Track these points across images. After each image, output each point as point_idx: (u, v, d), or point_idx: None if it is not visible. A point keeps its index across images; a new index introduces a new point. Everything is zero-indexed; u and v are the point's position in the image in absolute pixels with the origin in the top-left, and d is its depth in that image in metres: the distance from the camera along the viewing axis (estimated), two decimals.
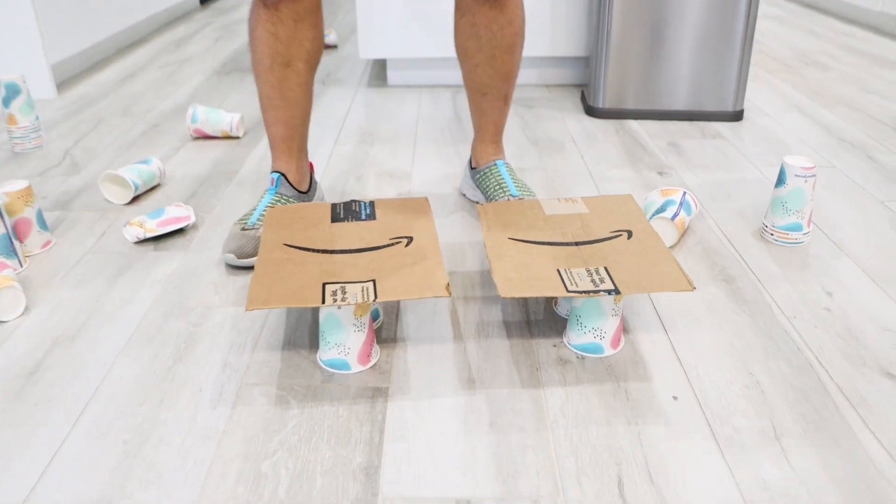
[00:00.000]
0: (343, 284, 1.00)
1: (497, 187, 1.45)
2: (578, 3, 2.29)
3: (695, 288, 1.10)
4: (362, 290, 0.99)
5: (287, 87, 1.34)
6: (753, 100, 2.25)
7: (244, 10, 3.84)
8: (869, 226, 1.45)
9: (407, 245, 1.12)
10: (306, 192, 1.45)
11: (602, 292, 0.99)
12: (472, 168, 1.56)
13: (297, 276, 1.03)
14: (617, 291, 0.99)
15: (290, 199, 1.40)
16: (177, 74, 2.62)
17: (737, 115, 2.06)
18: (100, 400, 1.00)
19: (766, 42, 3.00)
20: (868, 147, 1.86)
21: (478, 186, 1.53)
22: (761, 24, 3.34)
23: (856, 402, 0.98)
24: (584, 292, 0.99)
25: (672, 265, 1.05)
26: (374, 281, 1.01)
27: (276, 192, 1.39)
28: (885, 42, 2.99)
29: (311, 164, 1.51)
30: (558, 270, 1.05)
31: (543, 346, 1.10)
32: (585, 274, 1.03)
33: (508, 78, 1.43)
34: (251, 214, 1.36)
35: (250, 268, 1.33)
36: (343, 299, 0.96)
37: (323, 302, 0.96)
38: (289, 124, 1.38)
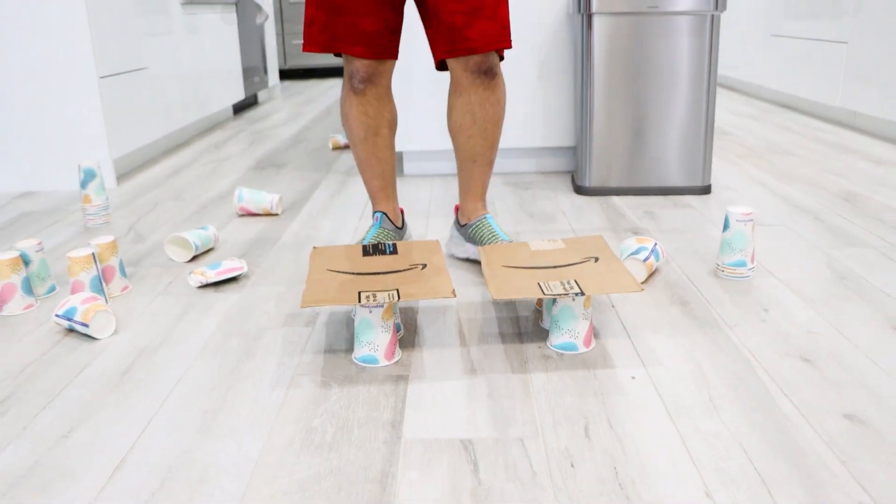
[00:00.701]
0: (374, 292, 1.30)
1: (490, 235, 1.72)
2: (566, 102, 2.66)
3: (643, 290, 1.36)
4: (388, 295, 1.28)
5: (379, 150, 1.74)
6: (722, 179, 2.57)
7: (273, 119, 4.27)
8: (808, 266, 1.74)
9: (422, 269, 1.42)
10: (401, 227, 1.83)
11: (571, 294, 1.28)
12: (461, 225, 1.81)
13: (338, 287, 1.33)
14: (582, 293, 1.28)
15: (391, 232, 1.77)
16: (219, 170, 2.99)
17: (705, 189, 2.39)
18: (181, 388, 1.28)
19: (740, 134, 3.36)
20: (818, 212, 2.16)
21: (470, 239, 1.77)
22: (737, 120, 3.72)
23: (776, 378, 1.24)
24: (557, 294, 1.28)
25: (627, 276, 1.34)
26: (397, 289, 1.31)
27: (380, 227, 1.77)
28: (845, 132, 3.35)
29: (401, 209, 1.88)
30: (538, 283, 1.34)
31: (530, 348, 1.38)
32: (559, 285, 1.32)
33: (494, 146, 1.73)
34: (363, 240, 1.73)
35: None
36: (374, 299, 1.26)
37: (359, 302, 1.25)
38: (383, 177, 1.77)
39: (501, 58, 1.67)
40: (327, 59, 6.60)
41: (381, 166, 1.76)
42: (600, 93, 2.36)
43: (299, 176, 2.83)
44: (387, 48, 1.64)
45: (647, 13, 2.28)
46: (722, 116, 3.88)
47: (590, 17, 2.31)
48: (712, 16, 2.29)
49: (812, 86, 3.79)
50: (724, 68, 5.02)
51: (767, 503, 0.94)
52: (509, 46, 1.62)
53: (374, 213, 1.80)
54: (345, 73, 1.69)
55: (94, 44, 2.62)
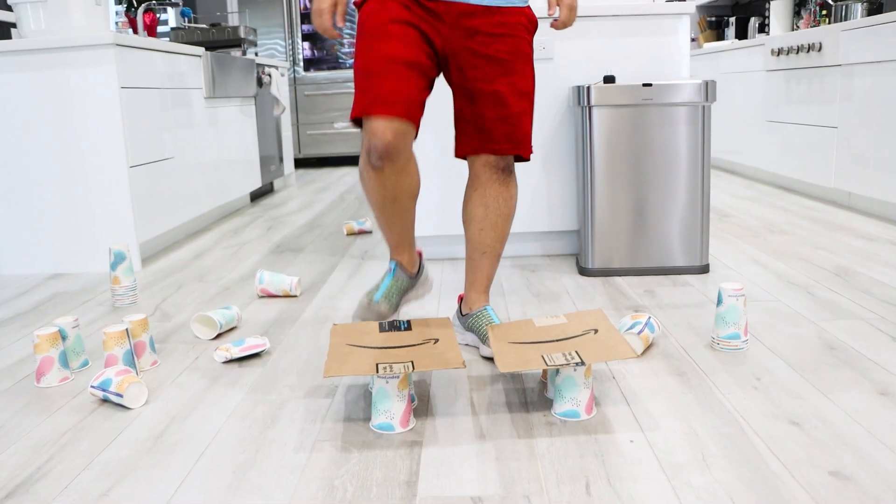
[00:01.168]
0: (390, 364, 1.41)
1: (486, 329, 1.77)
2: (569, 188, 2.81)
3: (639, 356, 1.46)
4: (404, 366, 1.39)
5: (396, 215, 1.76)
6: (721, 258, 2.69)
7: (289, 206, 4.45)
8: (800, 337, 1.83)
9: (434, 343, 1.53)
10: (415, 275, 1.91)
11: (572, 364, 1.38)
12: (462, 315, 1.87)
13: (357, 360, 1.43)
14: (583, 363, 1.38)
15: (404, 282, 1.87)
16: (239, 254, 3.13)
17: (704, 269, 2.50)
18: (211, 450, 1.38)
19: (739, 216, 3.49)
20: (810, 287, 2.27)
21: (469, 329, 1.84)
22: (737, 203, 3.87)
23: (765, 439, 1.33)
24: (559, 365, 1.38)
25: (624, 344, 1.45)
26: (412, 361, 1.41)
27: (394, 278, 1.86)
28: (840, 212, 3.48)
29: (419, 252, 1.96)
30: (542, 356, 1.44)
31: (536, 416, 1.47)
32: (561, 356, 1.43)
33: (504, 240, 1.82)
34: (376, 291, 1.84)
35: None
36: (391, 370, 1.36)
37: (376, 373, 1.36)
38: (400, 235, 1.83)
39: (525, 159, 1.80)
40: (340, 148, 6.85)
41: (398, 226, 1.80)
42: (601, 179, 2.50)
43: (316, 259, 2.96)
44: (413, 117, 1.62)
45: (642, 105, 2.45)
46: (722, 199, 4.03)
47: (590, 109, 2.47)
48: (703, 106, 2.45)
49: (807, 168, 3.95)
50: (725, 153, 5.21)
51: None
52: (527, 157, 1.76)
53: (391, 261, 1.88)
54: (363, 145, 1.69)
55: (126, 136, 2.81)
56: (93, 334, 2.11)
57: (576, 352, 1.44)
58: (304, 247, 3.22)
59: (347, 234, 3.45)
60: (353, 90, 6.88)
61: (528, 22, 1.71)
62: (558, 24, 1.77)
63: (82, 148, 2.80)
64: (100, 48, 2.74)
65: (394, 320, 1.69)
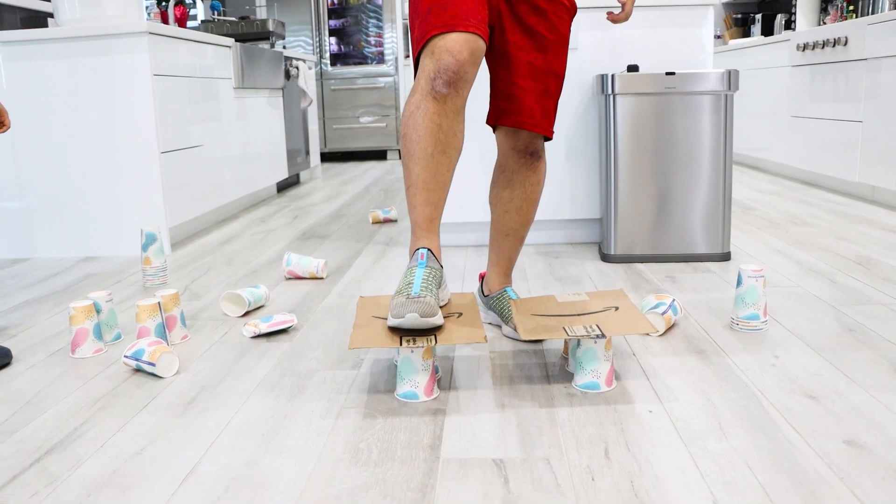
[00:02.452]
0: (414, 336, 1.44)
1: (509, 308, 1.79)
2: (592, 177, 2.84)
3: (658, 331, 1.49)
4: (427, 339, 1.42)
5: (441, 172, 1.53)
6: (743, 247, 2.71)
7: (315, 197, 4.51)
8: (819, 321, 1.85)
9: (458, 317, 1.56)
10: (441, 266, 1.61)
11: (593, 336, 1.41)
12: (484, 295, 1.90)
13: (382, 333, 1.47)
14: (603, 336, 1.41)
15: (438, 271, 1.53)
16: (266, 240, 3.19)
17: (725, 256, 2.52)
18: (241, 416, 1.42)
19: (762, 209, 3.50)
20: (831, 274, 2.28)
21: (490, 309, 1.86)
22: (761, 197, 3.87)
23: (782, 410, 1.35)
24: (580, 336, 1.41)
25: (644, 320, 1.47)
26: (435, 335, 1.45)
27: (427, 266, 1.51)
28: (863, 206, 3.47)
29: None
30: (563, 327, 1.48)
31: (557, 388, 1.50)
32: (582, 328, 1.46)
33: (528, 224, 1.82)
34: (411, 286, 1.46)
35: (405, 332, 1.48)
36: (414, 343, 1.40)
37: (400, 345, 1.40)
38: (436, 206, 1.55)
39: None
40: (366, 143, 6.91)
41: (438, 192, 1.54)
42: (624, 167, 2.53)
43: (342, 245, 3.01)
44: (486, 37, 1.53)
45: (666, 93, 2.47)
46: (746, 193, 4.03)
47: (614, 97, 2.50)
48: (726, 95, 2.47)
49: (832, 163, 3.94)
50: (749, 149, 5.20)
51: None
52: (549, 136, 1.73)
53: (418, 249, 1.54)
54: (422, 75, 1.52)
55: (158, 122, 2.87)
56: (125, 311, 2.17)
57: (596, 325, 1.47)
58: (329, 234, 3.27)
59: (373, 223, 3.50)
60: (378, 86, 6.96)
61: (569, 5, 1.70)
62: (619, 17, 1.74)
63: (115, 133, 2.87)
64: (134, 36, 2.81)
65: None
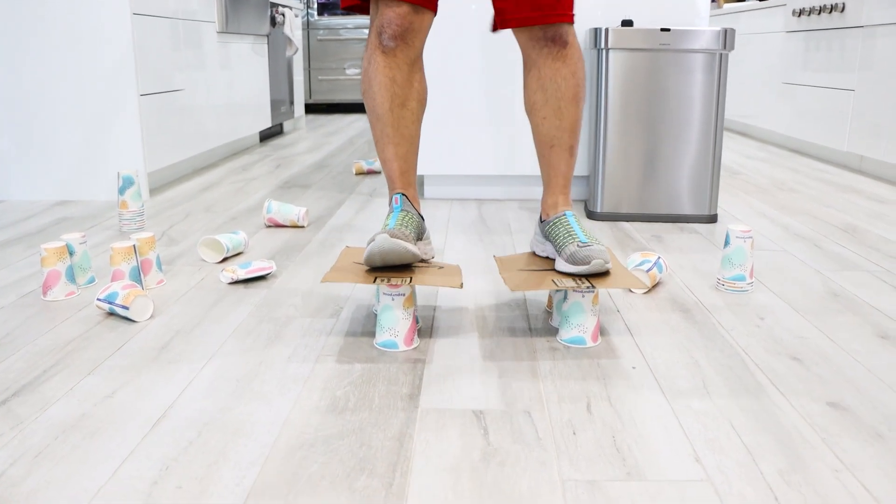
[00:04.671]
0: (389, 276, 1.41)
1: (567, 235, 1.50)
2: (581, 134, 2.79)
3: (648, 287, 1.46)
4: (401, 278, 1.39)
5: (404, 126, 1.53)
6: (729, 210, 2.68)
7: (298, 147, 4.43)
8: (804, 285, 1.83)
9: (440, 268, 1.53)
10: (422, 217, 1.57)
11: (581, 288, 1.38)
12: (542, 221, 1.61)
13: (358, 273, 1.44)
14: (592, 287, 1.38)
15: (415, 216, 1.52)
16: (246, 188, 3.13)
17: (712, 218, 2.50)
18: (215, 361, 1.39)
19: (749, 174, 3.47)
20: (816, 240, 2.27)
21: (547, 238, 1.57)
22: (748, 162, 3.84)
23: (767, 371, 1.34)
24: (569, 287, 1.38)
25: (631, 277, 1.45)
26: (411, 276, 1.42)
27: (402, 209, 1.51)
28: (851, 175, 3.46)
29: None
30: (552, 280, 1.45)
31: (539, 342, 1.48)
32: (571, 281, 1.43)
33: (573, 129, 1.54)
34: (386, 226, 1.47)
35: (383, 268, 1.46)
36: (388, 281, 1.37)
37: (374, 282, 1.37)
38: (405, 159, 1.55)
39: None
40: (352, 95, 6.80)
41: (404, 146, 1.54)
42: (614, 124, 2.48)
43: (324, 195, 2.96)
44: None
45: (659, 50, 2.42)
46: (733, 158, 4.00)
47: (606, 52, 2.44)
48: (720, 54, 2.42)
49: (821, 131, 3.91)
50: (738, 116, 5.16)
51: (751, 469, 1.03)
52: (569, 20, 1.49)
53: (393, 195, 1.56)
54: (372, 29, 1.50)
55: (137, 63, 2.79)
56: (100, 256, 2.12)
57: (587, 277, 1.44)
58: (312, 184, 3.21)
59: (356, 174, 3.45)
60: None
61: None
62: None
63: (93, 74, 2.78)
64: None
65: None
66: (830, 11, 3.85)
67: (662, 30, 2.41)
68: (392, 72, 1.50)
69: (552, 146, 1.56)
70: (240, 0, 3.90)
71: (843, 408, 1.20)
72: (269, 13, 4.47)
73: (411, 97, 1.53)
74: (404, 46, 1.48)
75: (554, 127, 1.54)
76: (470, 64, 2.75)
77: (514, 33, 1.53)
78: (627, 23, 2.47)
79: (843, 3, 3.72)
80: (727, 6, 5.47)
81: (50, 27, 2.76)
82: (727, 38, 2.40)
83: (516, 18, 1.49)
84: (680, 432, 1.13)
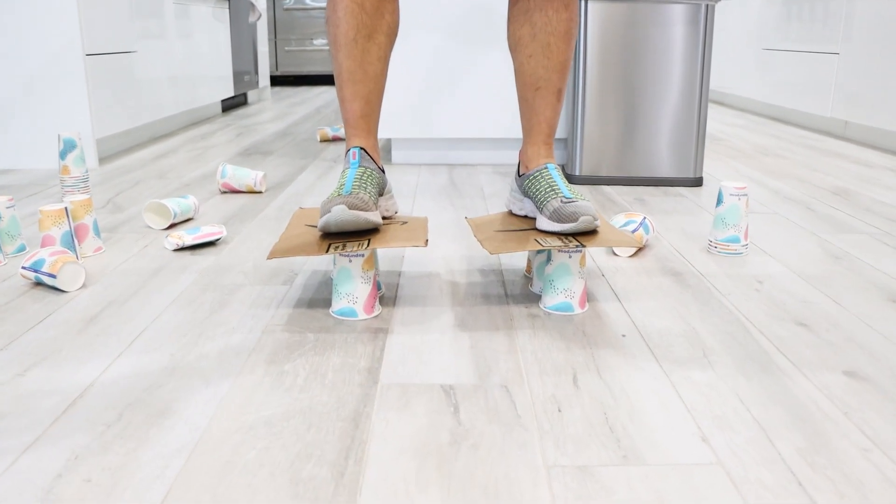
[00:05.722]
0: (344, 242, 1.24)
1: (549, 189, 1.34)
2: None
3: (642, 245, 1.30)
4: (358, 244, 1.22)
5: (368, 62, 1.35)
6: (714, 173, 2.54)
7: (262, 116, 4.23)
8: (801, 247, 1.69)
9: (402, 224, 1.36)
10: (382, 170, 1.41)
11: (570, 247, 1.22)
12: (519, 175, 1.45)
13: (310, 241, 1.27)
14: (581, 247, 1.22)
15: (374, 172, 1.35)
16: (204, 156, 2.93)
17: (697, 182, 2.35)
18: (148, 333, 1.21)
19: (732, 141, 3.34)
20: (807, 202, 2.13)
21: (526, 193, 1.40)
22: (729, 129, 3.71)
23: (772, 338, 1.19)
24: (555, 247, 1.22)
25: (623, 234, 1.29)
26: (369, 239, 1.25)
27: (361, 165, 1.35)
28: (835, 142, 3.33)
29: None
30: (535, 239, 1.28)
31: (517, 309, 1.32)
32: (557, 240, 1.27)
33: (563, 70, 1.38)
34: (343, 187, 1.30)
35: (339, 234, 1.29)
36: (343, 249, 1.20)
37: (327, 252, 1.20)
38: (367, 100, 1.38)
39: None
40: (319, 66, 6.57)
41: (368, 84, 1.37)
42: (592, 83, 2.32)
43: (285, 162, 2.77)
44: None
45: (642, 0, 2.26)
46: (714, 126, 3.87)
47: (585, 3, 2.28)
48: (707, 6, 2.26)
49: (804, 97, 3.79)
50: (718, 84, 5.03)
51: (766, 448, 0.88)
52: None
53: (350, 149, 1.38)
54: None
55: (82, 19, 2.57)
56: (35, 223, 1.93)
57: (573, 236, 1.29)
58: (273, 151, 3.02)
59: (321, 140, 3.26)
60: None
61: None
62: None
63: (33, 32, 2.56)
64: None
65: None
66: None
67: None
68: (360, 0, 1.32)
69: (538, 88, 1.39)
70: None
71: (863, 378, 1.06)
72: None
73: (380, 29, 1.35)
74: None
75: (541, 66, 1.37)
76: (438, 14, 2.57)
77: None
78: None
79: None
80: None
81: None
82: None
83: None
84: (681, 407, 0.98)
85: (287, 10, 6.47)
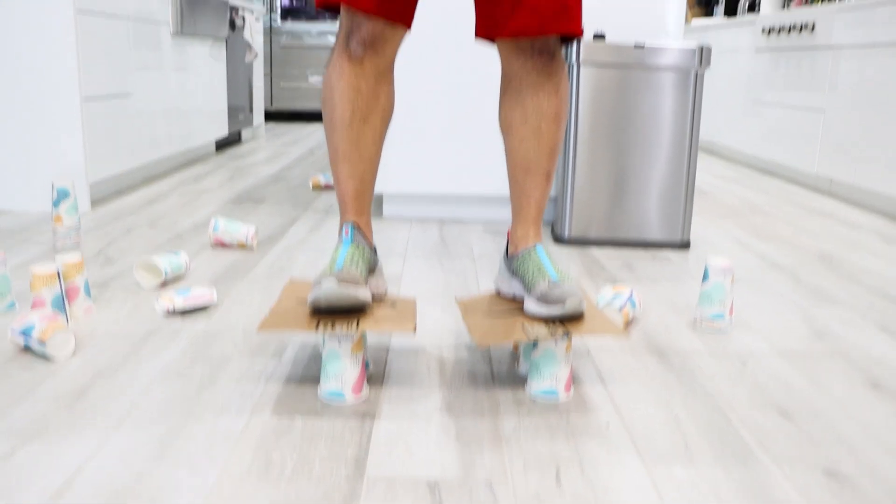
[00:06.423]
0: (333, 320, 1.26)
1: (537, 271, 1.35)
2: None
3: (627, 334, 1.33)
4: (347, 325, 1.24)
5: (364, 144, 1.38)
6: (701, 234, 2.57)
7: (255, 157, 4.25)
8: (786, 321, 1.72)
9: (392, 305, 1.38)
10: (375, 250, 1.44)
11: (556, 336, 1.24)
12: (507, 257, 1.46)
13: (300, 316, 1.28)
14: (567, 334, 1.24)
15: (366, 250, 1.38)
16: (196, 201, 2.95)
17: (684, 245, 2.38)
18: (137, 412, 1.22)
19: (720, 195, 3.38)
20: (794, 269, 2.16)
21: (515, 274, 1.42)
22: (718, 182, 3.75)
23: (753, 429, 1.21)
24: (541, 336, 1.24)
25: (610, 323, 1.31)
26: (358, 320, 1.26)
27: (353, 242, 1.37)
28: (821, 198, 3.38)
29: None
30: (522, 325, 1.30)
31: (503, 394, 1.33)
32: (544, 328, 1.28)
33: (553, 153, 1.40)
34: (335, 263, 1.32)
35: (329, 311, 1.29)
36: (332, 328, 1.21)
37: (315, 330, 1.21)
38: (362, 180, 1.40)
39: (569, 40, 1.41)
40: (314, 103, 6.62)
41: (362, 165, 1.39)
42: (584, 144, 2.36)
43: (277, 211, 2.79)
44: (402, 10, 1.33)
45: (633, 67, 2.30)
46: (703, 178, 3.92)
47: (578, 67, 2.32)
48: (696, 72, 2.31)
49: (791, 152, 3.84)
50: (706, 133, 5.10)
51: None
52: (577, 32, 1.33)
53: (343, 224, 1.40)
54: (340, 32, 1.36)
55: (80, 63, 2.60)
56: (26, 276, 1.93)
57: (560, 321, 1.30)
58: (266, 198, 3.04)
59: (313, 188, 3.28)
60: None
61: None
62: None
63: (30, 74, 2.58)
64: None
65: None
66: (800, 31, 3.79)
67: (636, 46, 2.29)
68: (357, 81, 1.35)
69: (528, 170, 1.40)
70: (197, 1, 3.72)
71: (843, 477, 1.08)
72: (228, 16, 4.28)
73: (375, 112, 1.38)
74: (373, 55, 1.35)
75: (532, 149, 1.38)
76: (434, 72, 2.61)
77: (498, 42, 1.37)
78: (599, 36, 2.35)
79: (814, 23, 3.65)
80: (695, 22, 5.41)
81: None
82: (703, 55, 2.29)
83: (510, 28, 1.30)
84: None
85: (283, 46, 6.53)
